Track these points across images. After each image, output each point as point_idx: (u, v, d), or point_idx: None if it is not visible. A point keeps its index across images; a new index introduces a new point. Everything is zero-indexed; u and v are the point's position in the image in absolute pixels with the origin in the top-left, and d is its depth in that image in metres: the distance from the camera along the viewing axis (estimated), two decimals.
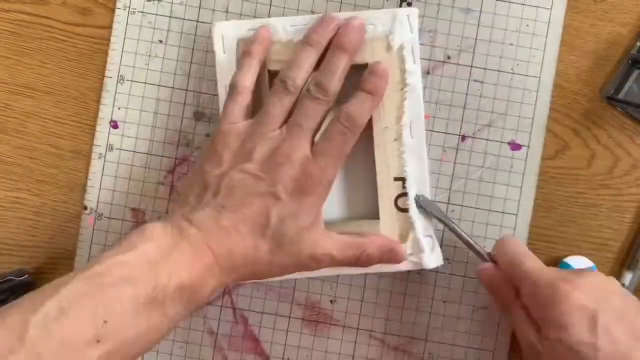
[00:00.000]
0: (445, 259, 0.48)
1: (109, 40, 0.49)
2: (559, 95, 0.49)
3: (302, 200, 0.41)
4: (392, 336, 0.49)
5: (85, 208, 0.49)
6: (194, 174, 0.43)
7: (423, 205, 0.45)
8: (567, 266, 0.48)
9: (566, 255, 0.48)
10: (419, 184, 0.45)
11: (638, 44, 0.48)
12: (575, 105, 0.49)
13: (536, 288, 0.40)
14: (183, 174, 0.49)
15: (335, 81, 0.43)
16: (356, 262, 0.43)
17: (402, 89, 0.45)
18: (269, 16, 0.48)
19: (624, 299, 0.40)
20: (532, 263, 0.42)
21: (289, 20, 0.46)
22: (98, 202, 0.49)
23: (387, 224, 0.45)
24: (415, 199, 0.45)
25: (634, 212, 0.49)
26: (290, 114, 0.43)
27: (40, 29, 0.49)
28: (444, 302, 0.49)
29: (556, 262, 0.49)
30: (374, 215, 0.46)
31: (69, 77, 0.49)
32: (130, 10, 0.49)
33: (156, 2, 0.49)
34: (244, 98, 0.43)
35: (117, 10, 0.49)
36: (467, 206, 0.48)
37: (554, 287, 0.39)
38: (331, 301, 0.49)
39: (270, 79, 0.45)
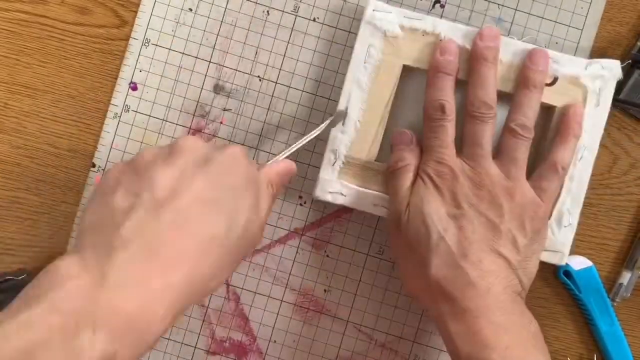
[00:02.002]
0: None
1: (107, 39, 0.49)
2: None
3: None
4: (380, 333, 0.49)
5: (94, 165, 0.49)
6: None
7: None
8: (567, 266, 0.48)
9: None
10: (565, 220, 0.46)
11: (638, 43, 0.48)
12: None
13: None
14: None
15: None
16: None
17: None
18: None
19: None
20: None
21: (444, 24, 0.45)
22: (107, 161, 0.49)
23: None
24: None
25: (633, 212, 0.49)
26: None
27: (39, 29, 0.49)
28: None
29: None
30: None
31: (67, 76, 0.49)
32: None
33: None
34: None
35: None
36: None
37: (454, 165, 0.42)
38: (325, 290, 0.49)
39: (404, 72, 0.46)
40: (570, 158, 0.44)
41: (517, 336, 0.39)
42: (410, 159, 0.44)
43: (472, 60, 0.44)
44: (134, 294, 0.30)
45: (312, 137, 0.44)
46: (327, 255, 0.49)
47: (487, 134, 0.43)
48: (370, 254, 0.49)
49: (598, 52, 0.49)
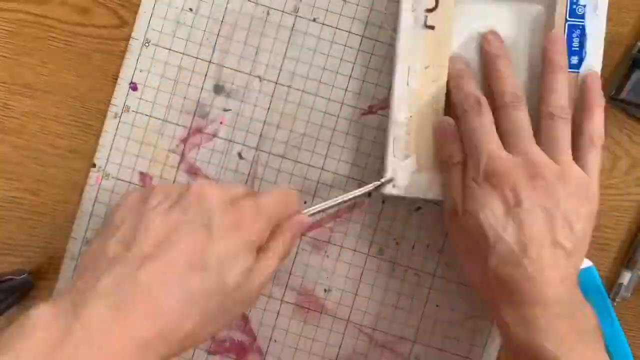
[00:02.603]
0: (444, 263, 0.48)
1: (108, 39, 0.49)
2: None
3: None
4: (381, 333, 0.49)
5: (94, 166, 0.49)
6: None
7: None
8: None
9: None
10: None
11: (638, 43, 0.48)
12: None
13: (488, 159, 0.41)
14: (195, 145, 0.49)
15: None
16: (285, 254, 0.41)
17: None
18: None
19: (571, 200, 0.41)
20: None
21: None
22: (107, 161, 0.49)
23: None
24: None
25: (634, 212, 0.49)
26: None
27: (40, 29, 0.49)
28: (437, 306, 0.49)
29: None
30: None
31: (68, 76, 0.49)
32: None
33: None
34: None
35: None
36: None
37: (505, 161, 0.41)
38: (325, 290, 0.49)
39: None
40: (601, 125, 0.44)
41: (574, 326, 0.39)
42: (460, 154, 0.44)
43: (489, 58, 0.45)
44: (94, 353, 0.30)
45: (351, 197, 0.44)
46: (327, 256, 0.49)
47: (526, 121, 0.43)
48: (370, 254, 0.49)
49: None
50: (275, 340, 0.49)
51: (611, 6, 0.48)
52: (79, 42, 0.49)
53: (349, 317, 0.49)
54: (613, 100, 0.48)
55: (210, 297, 0.34)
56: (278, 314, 0.49)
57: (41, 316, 0.30)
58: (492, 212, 0.41)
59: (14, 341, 0.29)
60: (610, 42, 0.48)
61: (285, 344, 0.49)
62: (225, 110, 0.49)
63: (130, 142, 0.49)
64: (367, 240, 0.49)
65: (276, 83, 0.49)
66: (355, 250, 0.49)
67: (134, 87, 0.49)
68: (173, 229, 0.35)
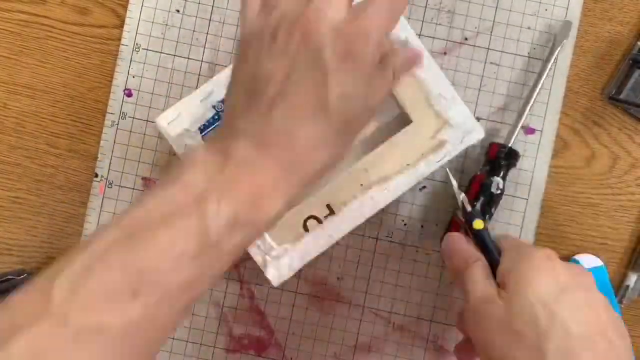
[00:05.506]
0: None
1: (107, 39, 0.49)
2: None
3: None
4: (397, 315, 0.49)
5: (96, 175, 0.49)
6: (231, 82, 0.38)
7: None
8: (578, 263, 0.47)
9: (566, 255, 0.48)
10: None
11: (638, 43, 0.48)
12: (575, 105, 0.49)
13: (519, 247, 0.39)
14: None
15: None
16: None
17: None
18: None
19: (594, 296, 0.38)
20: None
21: None
22: (109, 170, 0.49)
23: None
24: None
25: (634, 212, 0.49)
26: None
27: (39, 29, 0.49)
28: (451, 283, 0.49)
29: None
30: None
31: (67, 76, 0.49)
32: None
33: None
34: None
35: None
36: None
37: (538, 252, 0.38)
38: (338, 278, 0.49)
39: None
40: None
41: None
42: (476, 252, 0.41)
43: None
44: (246, 174, 0.34)
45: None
46: (337, 243, 0.48)
47: None
48: (379, 237, 0.49)
49: (598, 52, 0.49)
50: (293, 333, 0.49)
51: (611, 6, 0.48)
52: (77, 42, 0.49)
53: (364, 302, 0.49)
54: (613, 100, 0.48)
55: (333, 128, 0.35)
56: (294, 306, 0.49)
57: (198, 156, 0.34)
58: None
59: (179, 175, 0.34)
60: (610, 42, 0.49)
61: (304, 335, 0.49)
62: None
63: (130, 148, 0.49)
64: (376, 223, 0.49)
65: None
66: (364, 236, 0.49)
67: (128, 93, 0.49)
68: (288, 74, 0.34)
